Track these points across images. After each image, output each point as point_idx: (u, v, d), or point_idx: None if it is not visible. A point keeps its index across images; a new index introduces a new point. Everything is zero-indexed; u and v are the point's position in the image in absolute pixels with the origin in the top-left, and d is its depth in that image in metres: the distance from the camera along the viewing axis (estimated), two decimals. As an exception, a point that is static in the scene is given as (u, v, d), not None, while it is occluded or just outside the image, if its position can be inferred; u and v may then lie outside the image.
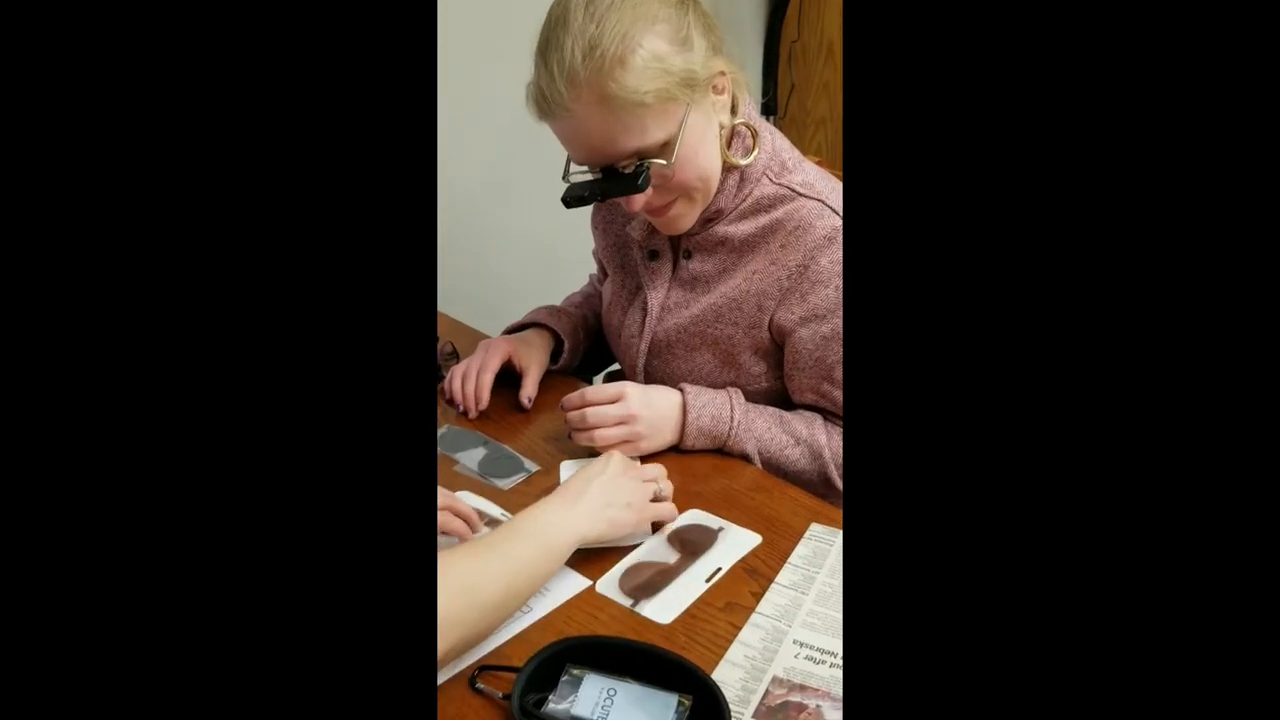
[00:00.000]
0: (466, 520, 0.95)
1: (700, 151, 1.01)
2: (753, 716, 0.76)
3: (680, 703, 0.76)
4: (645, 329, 1.16)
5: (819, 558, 0.93)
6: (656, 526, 0.98)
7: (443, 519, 0.94)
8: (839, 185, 1.09)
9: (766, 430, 1.09)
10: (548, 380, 1.23)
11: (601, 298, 1.31)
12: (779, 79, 2.39)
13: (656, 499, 0.97)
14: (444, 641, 0.74)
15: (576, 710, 0.76)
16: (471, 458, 1.10)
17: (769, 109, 2.45)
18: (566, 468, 1.08)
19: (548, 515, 0.87)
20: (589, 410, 1.05)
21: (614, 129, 0.96)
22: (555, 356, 1.27)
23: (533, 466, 1.09)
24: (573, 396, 1.07)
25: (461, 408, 1.18)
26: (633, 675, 0.78)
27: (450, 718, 0.76)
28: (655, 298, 1.15)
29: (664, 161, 0.98)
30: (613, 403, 1.05)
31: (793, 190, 1.06)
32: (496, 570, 0.80)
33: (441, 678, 0.79)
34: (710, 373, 1.13)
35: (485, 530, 0.96)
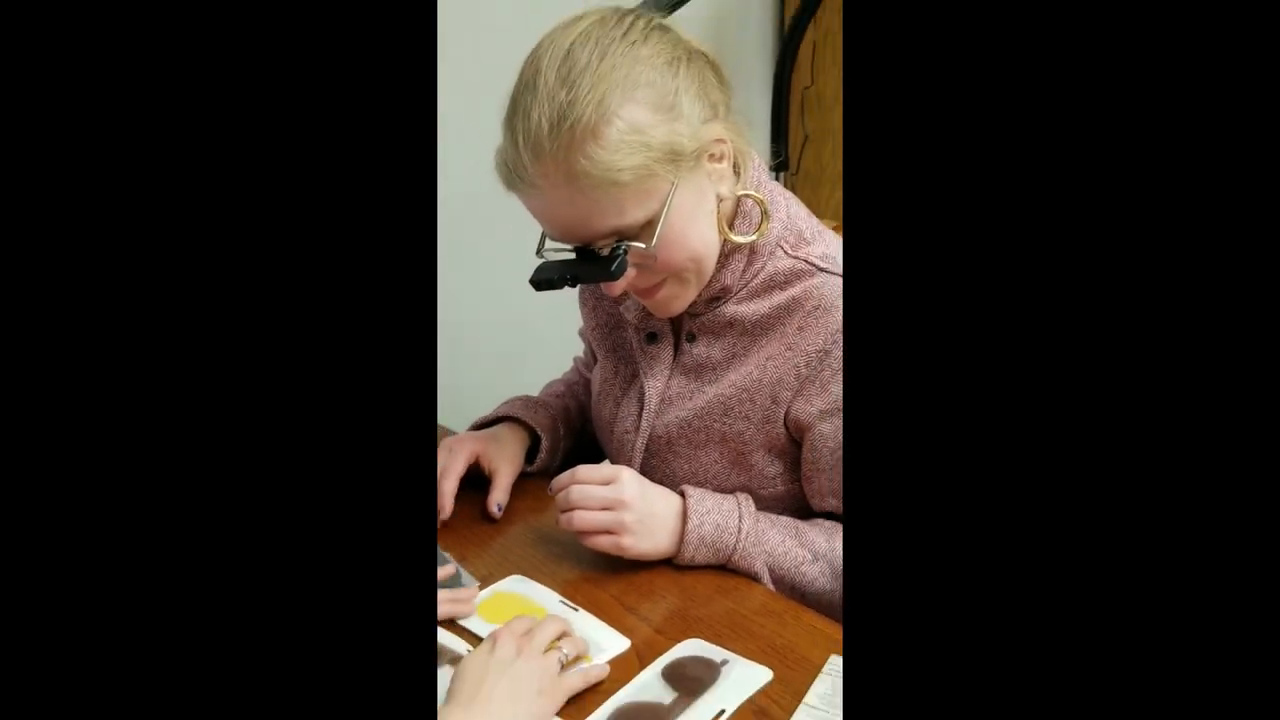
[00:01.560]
0: None
1: (690, 231, 1.02)
2: None
3: None
4: (642, 423, 1.17)
5: (841, 695, 0.92)
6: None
7: None
8: None
9: (780, 543, 1.09)
10: (521, 484, 1.23)
11: (589, 386, 1.32)
12: (789, 130, 2.43)
13: (566, 665, 0.93)
14: None
15: None
16: None
17: (780, 166, 2.49)
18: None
19: None
20: (575, 487, 1.06)
21: (586, 208, 0.97)
22: (531, 456, 1.28)
23: (470, 581, 1.09)
24: (563, 475, 1.08)
25: (422, 516, 1.18)
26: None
27: None
28: (654, 387, 1.16)
29: (644, 245, 0.99)
30: (605, 484, 1.06)
31: (812, 264, 1.08)
32: None
33: None
34: (718, 474, 1.14)
35: None
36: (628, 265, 1.01)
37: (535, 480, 1.25)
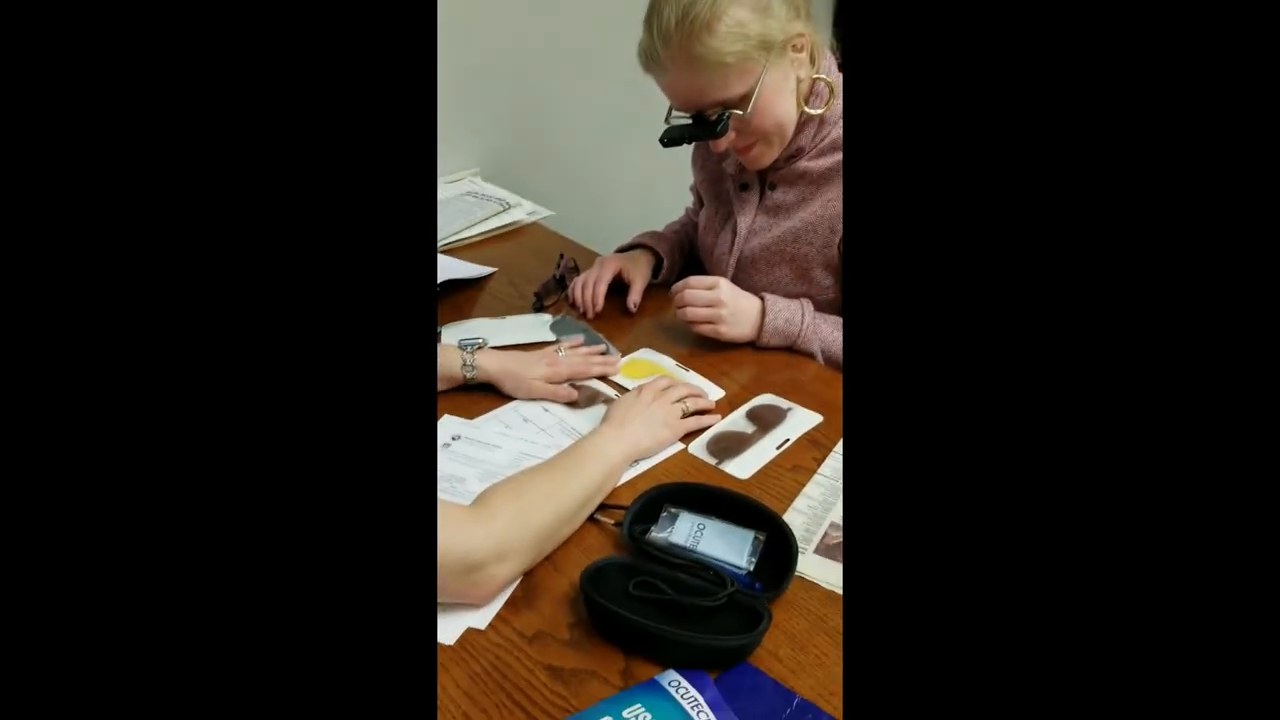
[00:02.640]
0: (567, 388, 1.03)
1: (776, 103, 1.01)
2: (814, 552, 0.80)
3: (756, 538, 0.80)
4: (734, 248, 1.17)
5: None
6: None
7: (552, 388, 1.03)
8: None
9: (830, 333, 1.11)
10: (649, 291, 1.26)
11: (696, 227, 1.32)
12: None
13: (686, 415, 0.96)
14: (531, 546, 0.76)
15: (673, 539, 0.81)
16: (571, 340, 1.13)
17: (840, 67, 2.37)
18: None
19: (604, 441, 0.87)
20: (687, 291, 1.09)
21: (700, 83, 0.98)
22: (656, 272, 1.30)
23: (615, 352, 1.12)
24: (679, 282, 1.10)
25: (582, 310, 1.22)
26: (718, 515, 0.82)
27: (575, 541, 0.82)
28: (744, 222, 1.16)
29: (741, 112, 0.99)
30: (708, 289, 1.08)
31: None
32: (572, 486, 0.81)
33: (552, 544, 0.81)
34: (787, 285, 1.15)
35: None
36: (729, 128, 1.02)
37: (658, 288, 1.27)
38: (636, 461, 0.91)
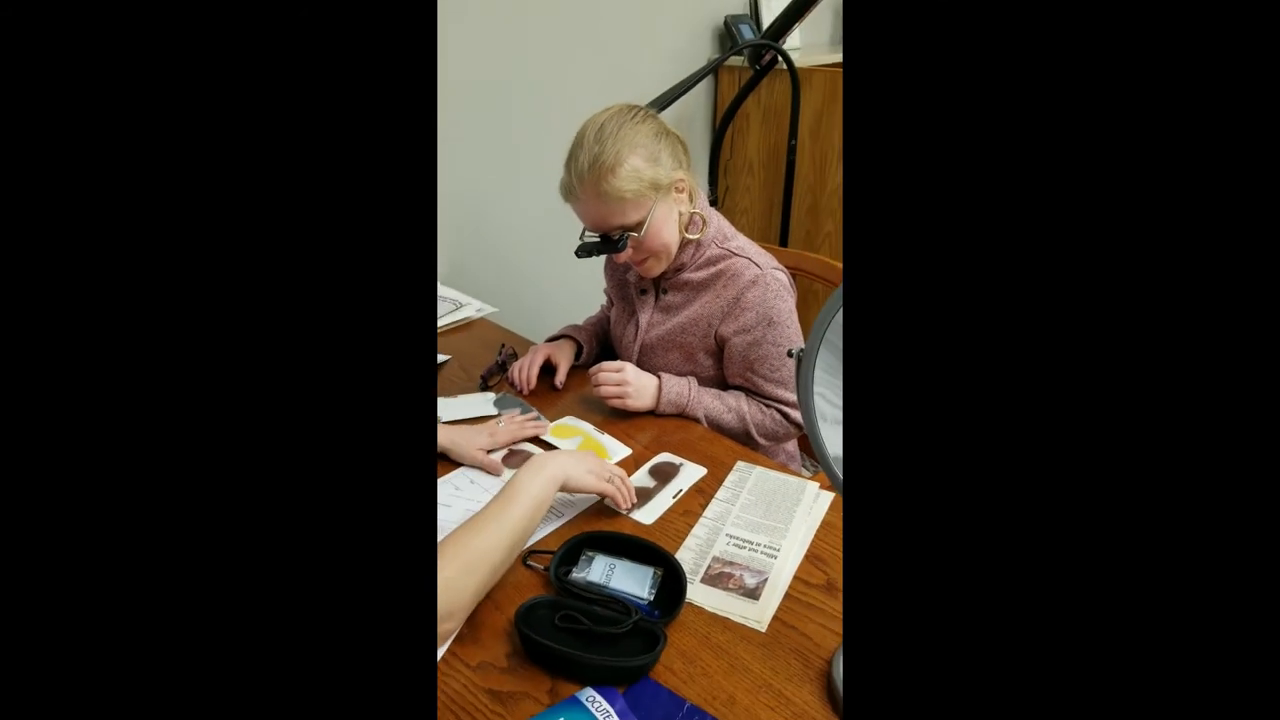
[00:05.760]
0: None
1: (663, 230, 1.04)
2: (700, 581, 0.80)
3: (655, 573, 0.80)
4: (637, 339, 1.18)
5: (742, 483, 0.97)
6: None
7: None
8: (759, 248, 1.14)
9: (711, 403, 1.12)
10: (572, 371, 1.24)
11: (609, 319, 1.33)
12: (718, 184, 2.41)
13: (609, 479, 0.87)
14: (471, 603, 0.70)
15: (590, 578, 0.79)
16: (510, 413, 1.10)
17: (711, 203, 2.43)
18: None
19: (530, 476, 0.78)
20: (601, 374, 1.09)
21: (605, 212, 1.00)
22: (578, 356, 1.27)
23: (545, 420, 1.10)
24: (595, 366, 1.10)
25: (519, 388, 1.21)
26: (626, 556, 0.82)
27: (512, 583, 0.80)
28: (644, 318, 1.17)
29: (637, 234, 1.02)
30: (617, 371, 1.09)
31: (730, 252, 1.10)
32: (503, 535, 0.73)
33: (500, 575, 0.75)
34: (677, 366, 1.16)
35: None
36: (627, 245, 1.04)
37: (579, 369, 1.25)
38: (566, 490, 0.83)
